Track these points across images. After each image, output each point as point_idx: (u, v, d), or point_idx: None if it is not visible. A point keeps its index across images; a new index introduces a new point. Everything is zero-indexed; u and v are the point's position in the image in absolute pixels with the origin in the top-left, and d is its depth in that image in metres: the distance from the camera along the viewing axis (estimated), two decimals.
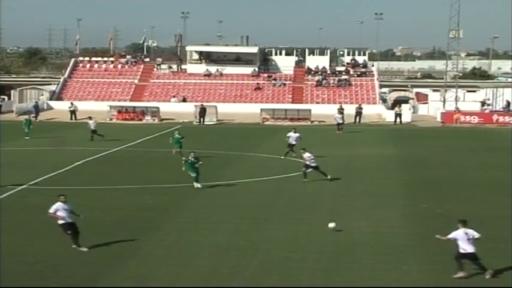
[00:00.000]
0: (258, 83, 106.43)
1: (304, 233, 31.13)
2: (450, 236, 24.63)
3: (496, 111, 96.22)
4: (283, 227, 31.99)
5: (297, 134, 56.17)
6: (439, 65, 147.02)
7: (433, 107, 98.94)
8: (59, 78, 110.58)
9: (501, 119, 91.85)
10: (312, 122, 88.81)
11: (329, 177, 44.66)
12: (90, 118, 68.68)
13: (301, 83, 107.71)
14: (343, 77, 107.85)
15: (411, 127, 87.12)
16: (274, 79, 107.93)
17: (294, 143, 55.20)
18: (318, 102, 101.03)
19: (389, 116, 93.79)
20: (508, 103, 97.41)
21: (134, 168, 49.94)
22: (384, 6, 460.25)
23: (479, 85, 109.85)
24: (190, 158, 42.05)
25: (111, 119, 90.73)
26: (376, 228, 32.33)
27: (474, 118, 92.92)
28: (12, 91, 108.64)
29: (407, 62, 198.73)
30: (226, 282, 24.12)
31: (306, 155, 44.88)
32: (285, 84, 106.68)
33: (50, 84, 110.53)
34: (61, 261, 26.74)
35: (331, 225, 30.60)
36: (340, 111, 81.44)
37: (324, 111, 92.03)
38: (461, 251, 24.36)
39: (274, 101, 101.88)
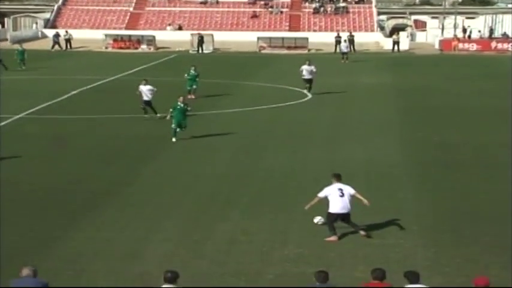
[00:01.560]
0: (254, 11, 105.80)
1: (300, 162, 31.40)
2: (321, 194, 21.55)
3: (495, 37, 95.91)
4: (280, 156, 32.23)
5: (312, 67, 50.43)
6: None
7: (432, 35, 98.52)
8: (53, 5, 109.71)
9: (499, 46, 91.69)
10: (309, 50, 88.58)
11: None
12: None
13: (298, 10, 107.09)
14: (341, 4, 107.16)
15: (409, 55, 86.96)
16: (271, 6, 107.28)
17: (308, 77, 50.14)
18: (315, 30, 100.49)
19: (387, 43, 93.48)
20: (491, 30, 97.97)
21: (130, 98, 49.92)
22: None
23: (479, 11, 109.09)
24: (179, 103, 35.99)
25: (106, 48, 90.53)
26: (371, 156, 32.59)
27: (473, 45, 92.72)
28: (6, 19, 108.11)
29: None
30: (223, 209, 24.45)
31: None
32: (282, 12, 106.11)
33: (44, 12, 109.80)
34: (59, 187, 27.02)
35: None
36: (348, 38, 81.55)
37: (321, 39, 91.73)
38: (332, 210, 21.36)
39: (271, 29, 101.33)
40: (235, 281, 18.58)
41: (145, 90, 40.94)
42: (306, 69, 50.14)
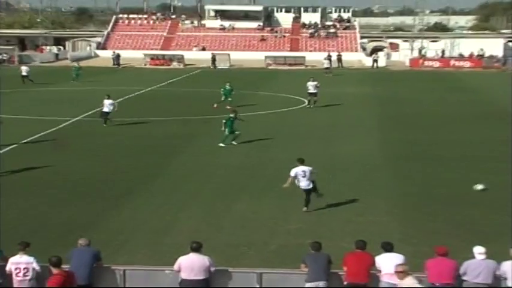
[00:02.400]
0: (262, 35, 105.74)
1: (304, 154, 31.30)
2: (291, 173, 21.98)
3: (453, 57, 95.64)
4: (285, 151, 32.12)
5: (315, 82, 48.23)
6: (408, 20, 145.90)
7: (403, 54, 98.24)
8: (104, 32, 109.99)
9: (457, 63, 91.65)
10: (306, 66, 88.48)
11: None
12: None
13: (297, 35, 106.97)
14: (331, 30, 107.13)
15: (385, 70, 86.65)
16: (276, 32, 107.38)
17: (313, 91, 47.87)
18: (311, 51, 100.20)
19: (367, 61, 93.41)
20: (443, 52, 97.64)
21: (163, 104, 49.96)
22: None
23: (441, 36, 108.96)
24: (230, 115, 34.32)
25: (145, 65, 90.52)
26: (358, 152, 32.50)
27: (436, 63, 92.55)
28: (66, 42, 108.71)
29: (382, 17, 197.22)
30: (238, 194, 24.43)
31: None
32: (284, 36, 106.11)
33: (96, 37, 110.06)
34: (99, 178, 26.97)
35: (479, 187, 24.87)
36: (327, 57, 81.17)
37: (315, 57, 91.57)
38: (301, 186, 22.11)
39: (275, 50, 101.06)
40: (247, 249, 18.58)
41: (107, 104, 39.58)
42: (310, 85, 47.84)
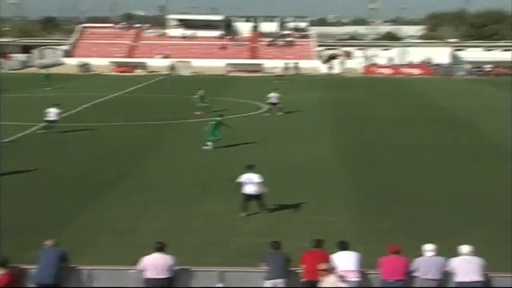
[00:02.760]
0: (223, 44, 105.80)
1: (261, 157, 31.23)
2: (238, 179, 21.70)
3: (403, 64, 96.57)
4: (245, 153, 31.94)
5: (277, 94, 48.12)
6: (361, 29, 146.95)
7: (357, 62, 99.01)
8: (70, 40, 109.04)
9: (407, 70, 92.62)
10: (265, 73, 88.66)
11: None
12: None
13: (256, 43, 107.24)
14: (289, 38, 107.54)
15: (340, 77, 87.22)
16: (236, 40, 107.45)
17: (275, 101, 47.68)
18: (269, 58, 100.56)
19: (323, 68, 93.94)
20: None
21: (127, 110, 49.60)
22: None
23: (392, 45, 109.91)
24: (217, 119, 34.39)
25: (111, 72, 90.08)
26: (312, 153, 32.58)
27: (387, 70, 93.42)
28: (34, 50, 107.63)
29: (338, 27, 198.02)
30: (200, 194, 24.31)
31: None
32: (243, 45, 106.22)
33: (63, 45, 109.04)
34: (67, 181, 26.65)
35: None
36: (284, 65, 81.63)
37: (273, 65, 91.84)
38: (244, 191, 21.66)
39: (235, 57, 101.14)
40: (210, 249, 18.48)
41: (53, 112, 38.37)
42: (273, 96, 47.90)
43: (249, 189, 21.59)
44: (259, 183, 21.60)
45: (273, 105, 47.79)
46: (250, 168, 21.97)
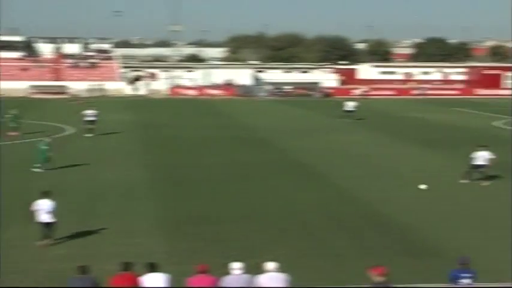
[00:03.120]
0: (24, 65, 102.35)
1: (69, 180, 30.46)
2: (32, 207, 20.80)
3: (207, 86, 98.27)
4: (53, 177, 31.07)
5: (95, 112, 48.25)
6: (165, 51, 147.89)
7: (162, 83, 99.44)
8: None
9: (210, 91, 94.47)
10: (71, 95, 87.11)
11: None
12: None
13: (59, 64, 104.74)
14: (92, 60, 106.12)
15: (146, 98, 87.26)
16: (39, 61, 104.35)
17: (92, 119, 47.94)
18: (73, 80, 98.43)
19: (128, 90, 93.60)
20: None
21: None
22: (122, 5, 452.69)
23: (196, 66, 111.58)
24: (44, 142, 33.60)
25: None
26: (121, 176, 32.28)
27: (192, 91, 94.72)
28: None
29: (141, 48, 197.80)
30: (7, 223, 23.32)
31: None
32: (46, 66, 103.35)
33: None
34: None
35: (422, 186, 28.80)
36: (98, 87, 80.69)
37: (78, 86, 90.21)
38: (38, 220, 20.74)
39: (38, 79, 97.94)
40: (15, 277, 17.76)
41: None
42: (89, 114, 48.12)
43: (43, 216, 20.67)
44: (51, 211, 20.70)
45: (90, 123, 47.83)
46: (45, 195, 21.06)
